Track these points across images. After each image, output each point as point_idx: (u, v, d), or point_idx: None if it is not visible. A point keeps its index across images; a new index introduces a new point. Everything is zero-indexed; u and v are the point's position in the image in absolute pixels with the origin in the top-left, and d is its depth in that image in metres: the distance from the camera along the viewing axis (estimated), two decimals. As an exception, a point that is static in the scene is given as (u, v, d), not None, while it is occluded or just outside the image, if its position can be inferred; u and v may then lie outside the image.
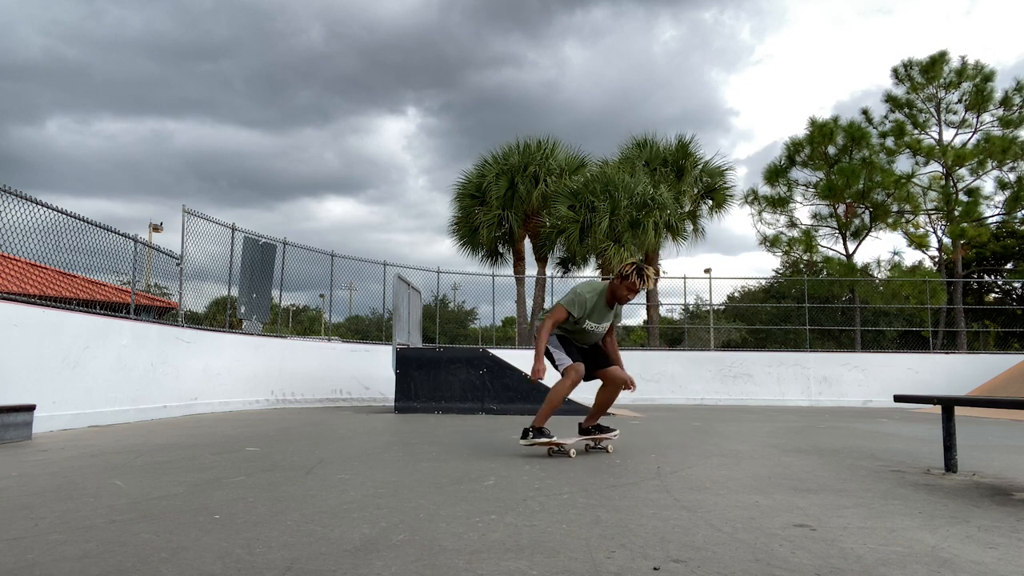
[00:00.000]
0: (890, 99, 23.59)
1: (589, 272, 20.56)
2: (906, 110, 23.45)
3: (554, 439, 4.63)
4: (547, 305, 19.95)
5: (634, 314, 20.90)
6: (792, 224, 24.20)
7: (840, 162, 22.86)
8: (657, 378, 14.61)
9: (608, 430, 5.14)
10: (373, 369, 12.24)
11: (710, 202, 21.45)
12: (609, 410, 10.72)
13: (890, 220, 23.14)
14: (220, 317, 12.80)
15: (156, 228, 23.52)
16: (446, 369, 10.17)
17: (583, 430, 5.08)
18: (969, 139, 23.14)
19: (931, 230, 23.75)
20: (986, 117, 23.02)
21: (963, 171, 22.92)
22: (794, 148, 23.73)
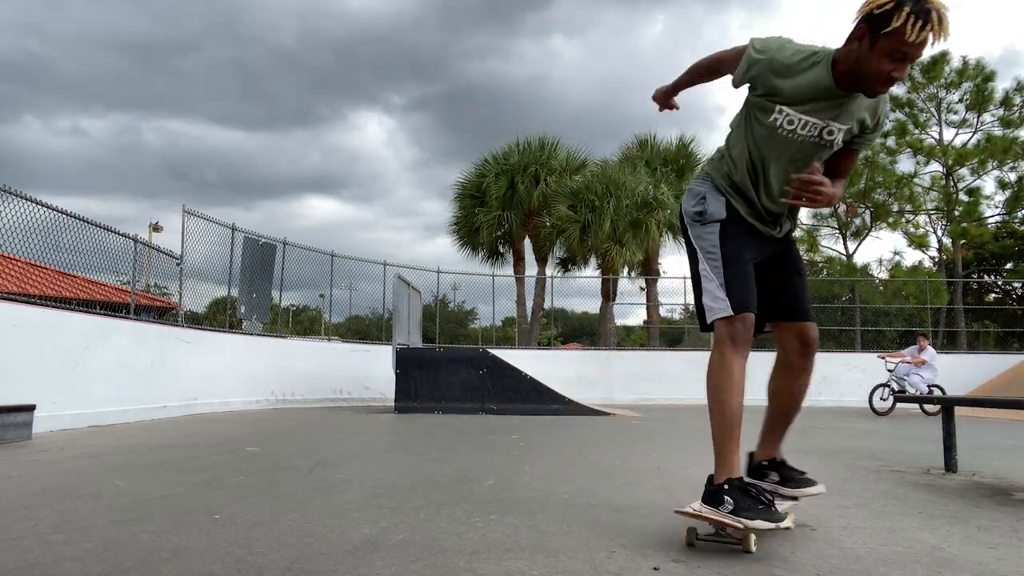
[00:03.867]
0: (891, 98, 23.59)
1: (589, 272, 20.58)
2: (907, 109, 23.45)
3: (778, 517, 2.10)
4: (547, 305, 19.97)
5: (634, 314, 20.89)
6: (792, 223, 24.17)
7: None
8: (657, 378, 14.61)
9: (805, 480, 2.51)
10: (373, 369, 12.23)
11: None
12: (608, 410, 10.70)
13: (890, 220, 23.13)
14: (220, 317, 12.80)
15: (156, 228, 23.51)
16: (446, 369, 10.16)
17: (756, 468, 2.60)
18: (970, 139, 23.15)
19: (931, 230, 23.77)
20: (986, 117, 23.03)
21: (963, 171, 22.92)
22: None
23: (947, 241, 23.28)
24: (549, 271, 20.72)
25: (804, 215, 24.28)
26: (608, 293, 18.56)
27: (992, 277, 28.85)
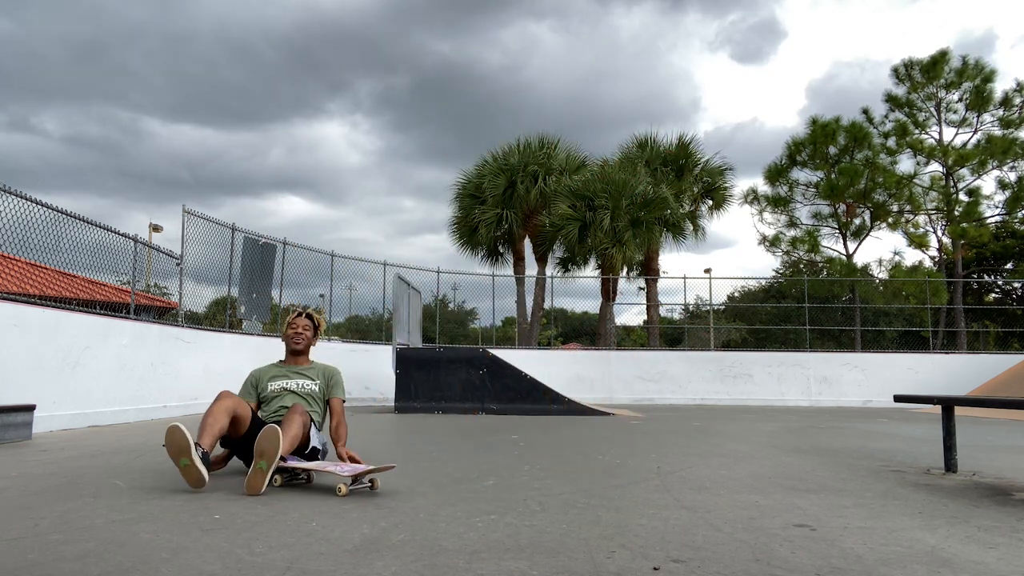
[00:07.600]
0: (890, 99, 23.60)
1: (589, 272, 20.58)
2: (906, 109, 23.46)
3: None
4: (547, 305, 19.98)
5: (628, 311, 20.87)
6: (792, 224, 24.20)
7: (841, 162, 22.86)
8: (657, 378, 14.61)
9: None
10: (373, 369, 12.23)
11: (709, 202, 21.46)
12: (608, 410, 10.74)
13: (890, 220, 23.15)
14: (220, 317, 12.79)
15: (156, 228, 23.51)
16: (446, 369, 10.17)
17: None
18: (969, 139, 23.16)
19: (931, 230, 23.78)
20: (986, 117, 23.04)
21: (963, 171, 22.94)
22: (795, 148, 23.73)
23: (947, 241, 23.28)
24: (549, 271, 20.72)
25: (804, 216, 24.37)
26: (608, 293, 18.56)
27: (992, 277, 28.85)
